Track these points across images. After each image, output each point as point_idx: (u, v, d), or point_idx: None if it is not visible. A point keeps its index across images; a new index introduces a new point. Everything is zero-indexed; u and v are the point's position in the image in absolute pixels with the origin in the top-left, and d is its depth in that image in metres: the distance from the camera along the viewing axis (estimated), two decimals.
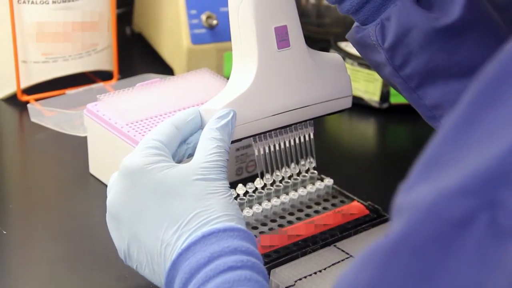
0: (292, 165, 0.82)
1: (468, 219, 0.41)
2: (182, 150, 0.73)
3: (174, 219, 0.65)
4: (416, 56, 0.71)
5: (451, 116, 0.44)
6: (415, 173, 0.45)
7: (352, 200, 0.86)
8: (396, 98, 1.10)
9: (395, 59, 0.72)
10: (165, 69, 1.18)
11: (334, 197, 0.87)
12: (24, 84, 1.08)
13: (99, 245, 0.80)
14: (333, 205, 0.85)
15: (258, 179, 0.81)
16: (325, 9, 1.33)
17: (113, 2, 1.11)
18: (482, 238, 0.40)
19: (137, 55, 1.29)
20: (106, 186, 0.83)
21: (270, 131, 0.77)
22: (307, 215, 0.83)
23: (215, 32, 1.13)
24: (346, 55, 1.12)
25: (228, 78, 0.77)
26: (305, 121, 0.79)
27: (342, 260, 0.77)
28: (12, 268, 0.80)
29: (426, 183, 0.43)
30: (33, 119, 1.05)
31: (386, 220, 0.83)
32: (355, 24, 0.75)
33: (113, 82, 1.13)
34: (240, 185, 0.81)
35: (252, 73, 0.74)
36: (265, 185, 0.82)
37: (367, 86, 1.11)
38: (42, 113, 1.04)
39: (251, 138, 0.76)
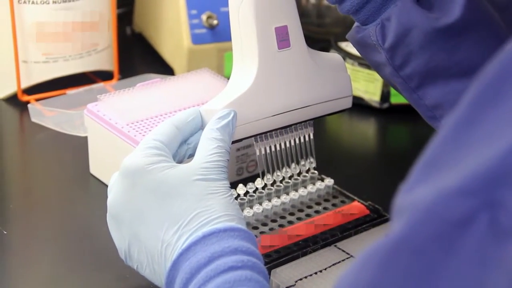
0: (293, 165, 0.82)
1: (468, 219, 0.41)
2: (182, 151, 0.73)
3: (175, 219, 0.65)
4: (416, 56, 0.71)
5: (451, 116, 0.44)
6: (416, 173, 0.45)
7: (353, 200, 0.86)
8: (397, 98, 1.10)
9: (395, 59, 0.72)
10: (166, 69, 1.18)
11: (334, 197, 0.87)
12: (25, 84, 1.08)
13: (100, 245, 0.80)
14: (334, 205, 0.85)
15: (258, 179, 0.81)
16: (325, 9, 1.33)
17: (114, 2, 1.11)
18: (482, 238, 0.40)
19: (138, 55, 1.29)
20: (106, 186, 0.83)
21: (271, 131, 0.77)
22: (308, 215, 0.83)
23: (216, 32, 1.13)
24: (346, 55, 1.12)
25: (228, 78, 0.77)
26: (306, 121, 0.79)
27: (343, 260, 0.77)
28: (12, 268, 0.80)
29: (426, 183, 0.43)
30: (33, 119, 1.05)
31: (386, 220, 0.83)
32: (356, 24, 0.75)
33: (114, 82, 1.13)
34: (240, 185, 0.81)
35: (253, 73, 0.74)
36: (265, 185, 0.82)
37: (368, 86, 1.11)
38: (42, 113, 1.05)
39: (252, 138, 0.76)
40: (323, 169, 0.88)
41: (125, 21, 1.33)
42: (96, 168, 0.92)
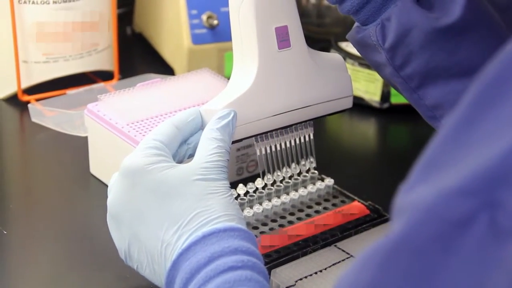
0: (293, 165, 0.82)
1: (468, 219, 0.41)
2: (182, 151, 0.73)
3: (175, 219, 0.65)
4: (416, 56, 0.71)
5: (451, 116, 0.44)
6: (416, 173, 0.45)
7: (353, 200, 0.86)
8: (397, 98, 1.10)
9: (395, 59, 0.72)
10: (166, 69, 1.18)
11: (334, 197, 0.87)
12: (25, 84, 1.08)
13: (100, 245, 0.80)
14: (334, 205, 0.85)
15: (258, 179, 0.81)
16: (325, 9, 1.33)
17: (114, 2, 1.11)
18: (482, 238, 0.40)
19: (138, 55, 1.29)
20: (106, 186, 0.83)
21: (271, 131, 0.77)
22: (308, 215, 0.83)
23: (216, 32, 1.13)
24: (346, 55, 1.12)
25: (228, 78, 0.77)
26: (306, 121, 0.79)
27: (343, 260, 0.77)
28: (12, 268, 0.80)
29: (426, 183, 0.43)
30: (33, 119, 1.05)
31: (386, 220, 0.83)
32: (356, 24, 0.75)
33: (114, 82, 1.13)
34: (240, 185, 0.81)
35: (253, 73, 0.74)
36: (265, 185, 0.82)
37: (368, 86, 1.11)
38: (42, 113, 1.04)
39: (253, 138, 0.76)
40: (323, 169, 0.88)
41: (125, 21, 1.33)
42: (96, 168, 0.92)
